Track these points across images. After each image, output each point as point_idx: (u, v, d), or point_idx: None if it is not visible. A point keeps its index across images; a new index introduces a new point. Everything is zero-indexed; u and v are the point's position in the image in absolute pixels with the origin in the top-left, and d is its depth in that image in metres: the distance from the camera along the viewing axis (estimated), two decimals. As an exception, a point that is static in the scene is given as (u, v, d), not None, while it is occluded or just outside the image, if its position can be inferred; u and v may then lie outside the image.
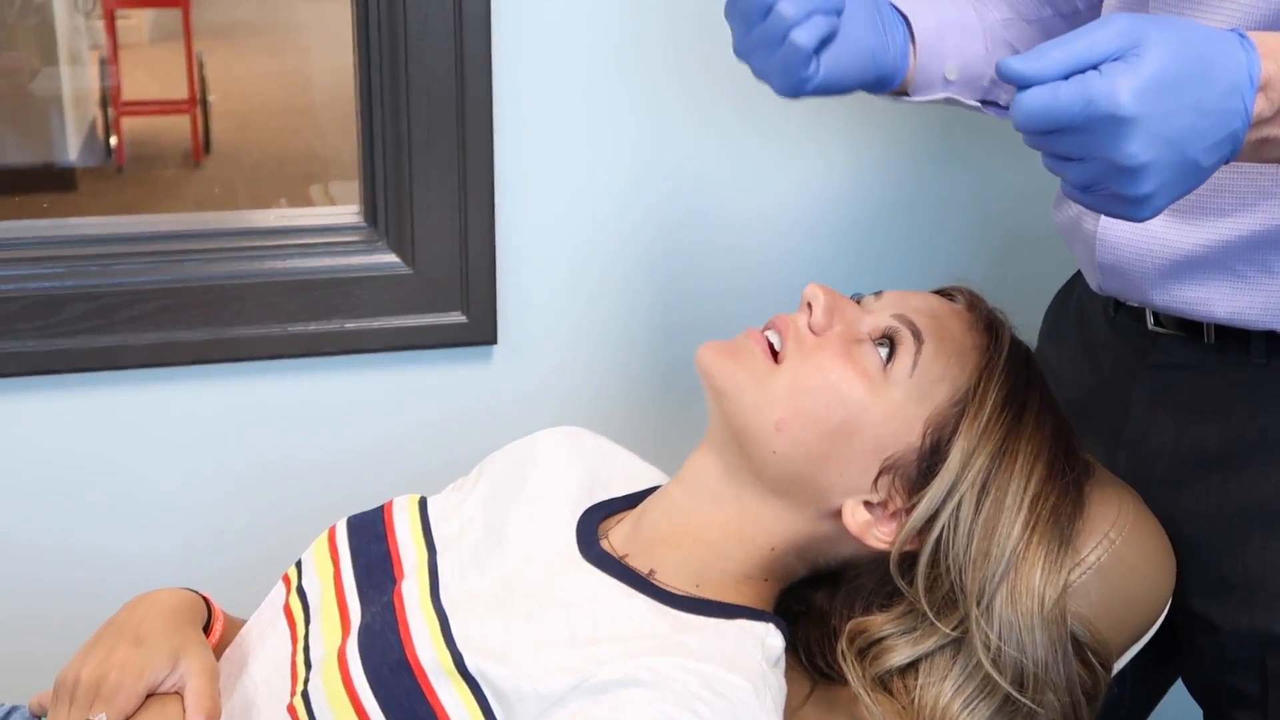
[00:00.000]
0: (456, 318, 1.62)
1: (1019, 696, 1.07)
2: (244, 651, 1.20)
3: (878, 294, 1.19)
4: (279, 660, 1.16)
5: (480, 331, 1.63)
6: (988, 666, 1.07)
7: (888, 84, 1.18)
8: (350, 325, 1.60)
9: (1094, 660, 1.11)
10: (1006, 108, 1.13)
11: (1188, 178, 0.89)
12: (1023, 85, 0.87)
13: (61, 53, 4.81)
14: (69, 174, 4.82)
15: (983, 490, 1.10)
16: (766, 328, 1.17)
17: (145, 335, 1.56)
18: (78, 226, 1.61)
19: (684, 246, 1.66)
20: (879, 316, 1.15)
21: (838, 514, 1.13)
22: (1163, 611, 1.17)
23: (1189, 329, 1.19)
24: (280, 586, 1.24)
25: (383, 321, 1.61)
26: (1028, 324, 1.30)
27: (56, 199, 4.66)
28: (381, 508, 1.27)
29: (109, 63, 5.23)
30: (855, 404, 1.11)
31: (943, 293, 1.21)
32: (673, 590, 1.13)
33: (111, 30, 5.23)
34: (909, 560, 1.12)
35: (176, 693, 1.11)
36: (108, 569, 1.59)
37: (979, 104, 1.23)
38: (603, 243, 1.64)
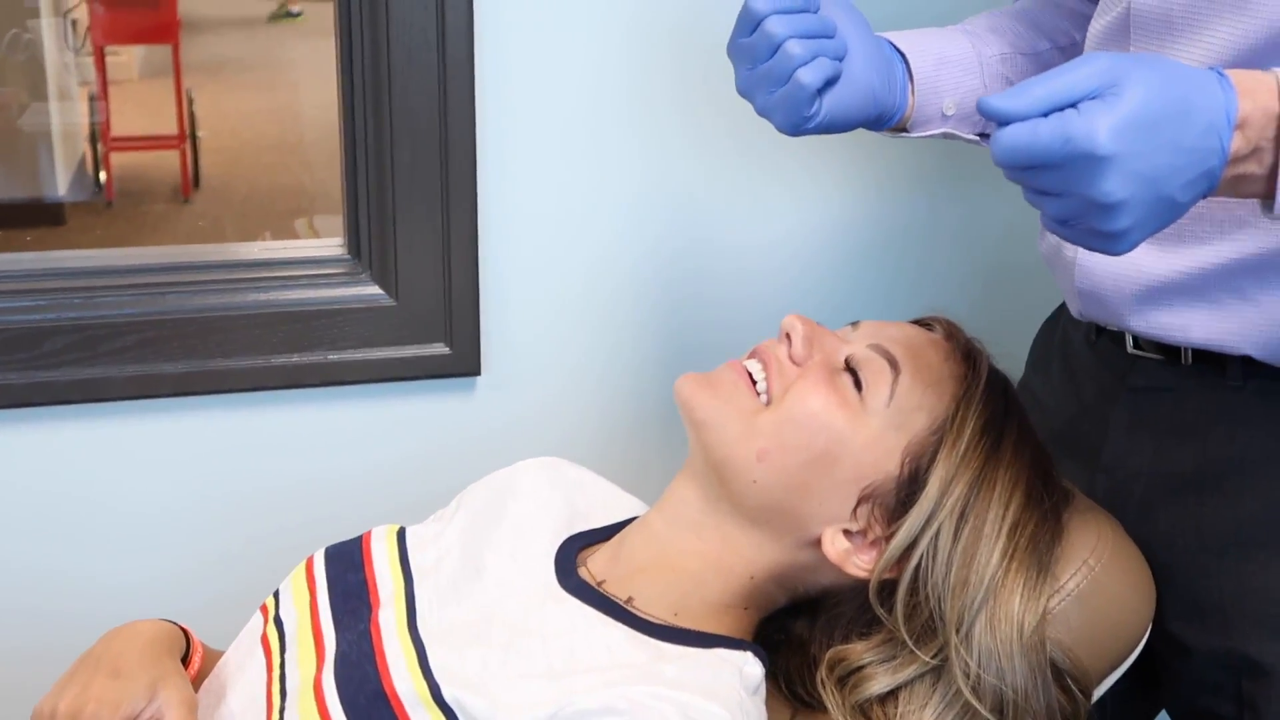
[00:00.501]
0: (440, 349, 1.62)
1: None
2: (222, 682, 1.19)
3: (855, 324, 1.19)
4: (255, 690, 1.15)
5: (463, 363, 1.63)
6: (967, 694, 1.07)
7: (887, 121, 1.20)
8: (333, 357, 1.60)
9: (1074, 687, 1.11)
10: None
11: (1164, 213, 0.90)
12: (1003, 122, 0.88)
13: (51, 88, 4.80)
14: (58, 209, 4.81)
15: (961, 518, 1.10)
16: (749, 356, 1.17)
17: (127, 367, 1.55)
18: (60, 259, 1.61)
19: (667, 278, 1.66)
20: (856, 345, 1.15)
21: (817, 542, 1.13)
22: (1142, 638, 1.17)
23: (1167, 352, 1.19)
24: (257, 617, 1.23)
25: (366, 353, 1.60)
26: (1016, 354, 1.30)
27: (46, 234, 4.65)
28: (360, 538, 1.27)
29: (98, 98, 5.23)
30: (836, 433, 1.11)
31: (921, 323, 1.21)
32: (651, 619, 1.12)
33: (101, 66, 5.23)
34: (888, 588, 1.11)
35: None
36: (89, 599, 1.58)
37: (977, 138, 1.24)
38: (586, 274, 1.64)
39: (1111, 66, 0.87)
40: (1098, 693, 1.16)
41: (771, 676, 1.15)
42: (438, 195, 1.56)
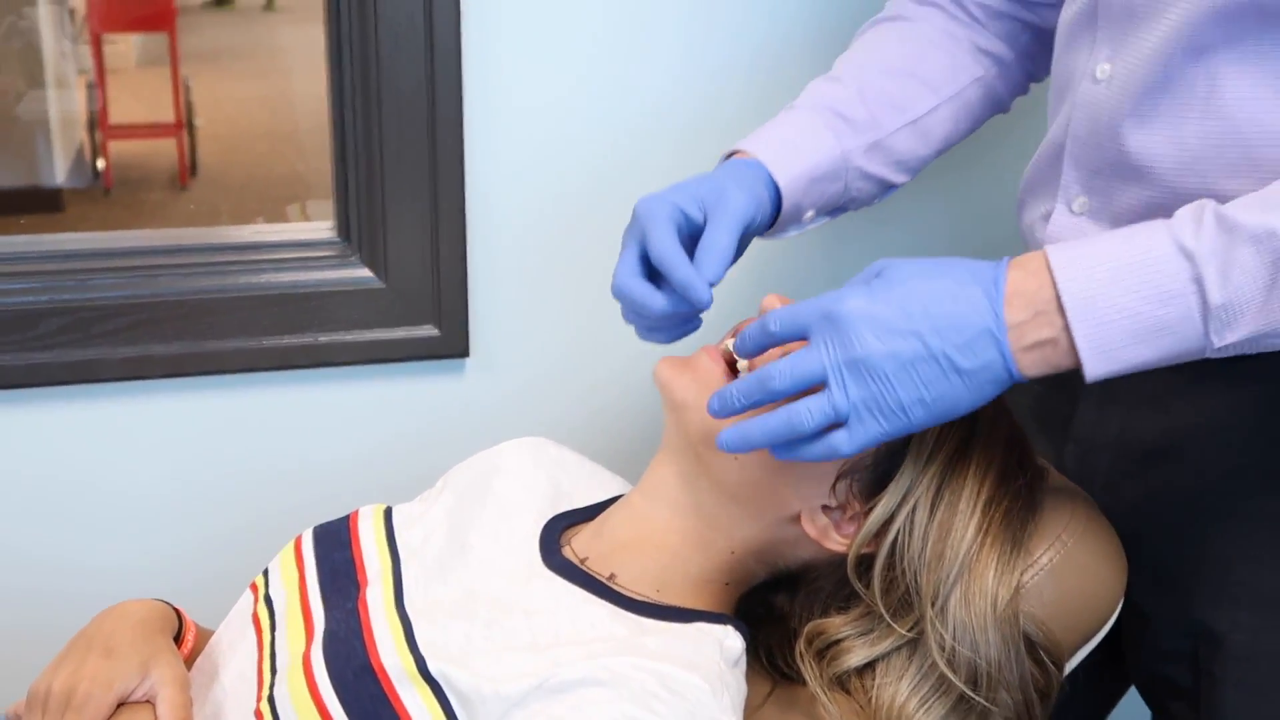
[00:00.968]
0: (429, 331, 1.62)
1: (973, 695, 1.08)
2: (214, 661, 1.20)
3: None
4: (247, 668, 1.16)
5: (452, 344, 1.63)
6: (942, 666, 1.08)
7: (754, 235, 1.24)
8: (324, 338, 1.60)
9: (1046, 659, 1.12)
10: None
11: (936, 381, 0.98)
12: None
13: (49, 76, 4.80)
14: (57, 196, 4.81)
15: (937, 494, 1.11)
16: (731, 334, 1.18)
17: (121, 349, 1.56)
18: (54, 243, 1.61)
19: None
20: None
21: (797, 519, 1.14)
22: (1114, 612, 1.18)
23: None
24: (248, 595, 1.24)
25: (356, 335, 1.61)
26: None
27: (44, 220, 4.66)
28: (347, 517, 1.28)
29: (96, 86, 5.23)
30: None
31: None
32: (633, 595, 1.13)
33: (98, 54, 5.23)
34: (866, 563, 1.12)
35: (148, 702, 1.11)
36: (82, 580, 1.59)
37: (828, 216, 1.32)
38: (574, 257, 1.65)
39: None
40: (1070, 665, 1.17)
41: (753, 650, 1.16)
42: (426, 179, 1.57)
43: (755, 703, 1.14)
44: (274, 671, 1.13)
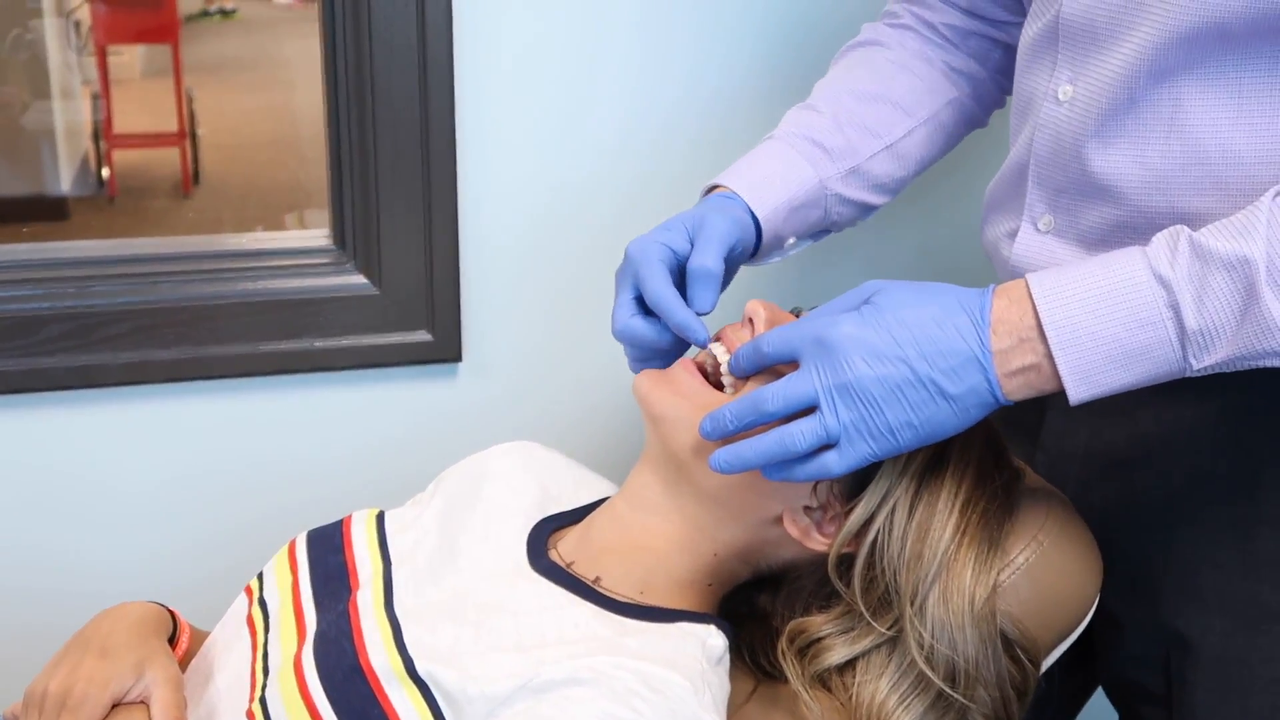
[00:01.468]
0: (422, 336, 1.62)
1: (951, 692, 1.08)
2: (209, 661, 1.20)
3: (814, 307, 1.20)
4: (240, 669, 1.16)
5: (445, 349, 1.63)
6: (921, 664, 1.08)
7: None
8: (320, 344, 1.60)
9: (1023, 657, 1.12)
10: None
11: (925, 405, 0.99)
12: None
13: (54, 87, 4.79)
14: (62, 204, 4.80)
15: (916, 495, 1.10)
16: (715, 338, 1.18)
17: (121, 354, 1.56)
18: (56, 250, 1.61)
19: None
20: None
21: (779, 520, 1.13)
22: (1089, 610, 1.18)
23: None
24: (243, 598, 1.24)
25: (351, 340, 1.61)
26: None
27: (50, 228, 4.64)
28: (340, 522, 1.27)
29: (101, 96, 5.22)
30: None
31: None
32: (617, 597, 1.13)
33: (103, 65, 5.22)
34: (846, 562, 1.12)
35: (142, 702, 1.11)
36: (82, 579, 1.59)
37: (811, 239, 1.33)
38: (565, 264, 1.65)
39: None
40: (1047, 663, 1.17)
41: (736, 648, 1.15)
42: (419, 188, 1.57)
43: (738, 701, 1.13)
44: (266, 672, 1.13)
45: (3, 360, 1.53)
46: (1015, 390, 0.99)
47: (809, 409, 1.00)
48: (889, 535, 1.10)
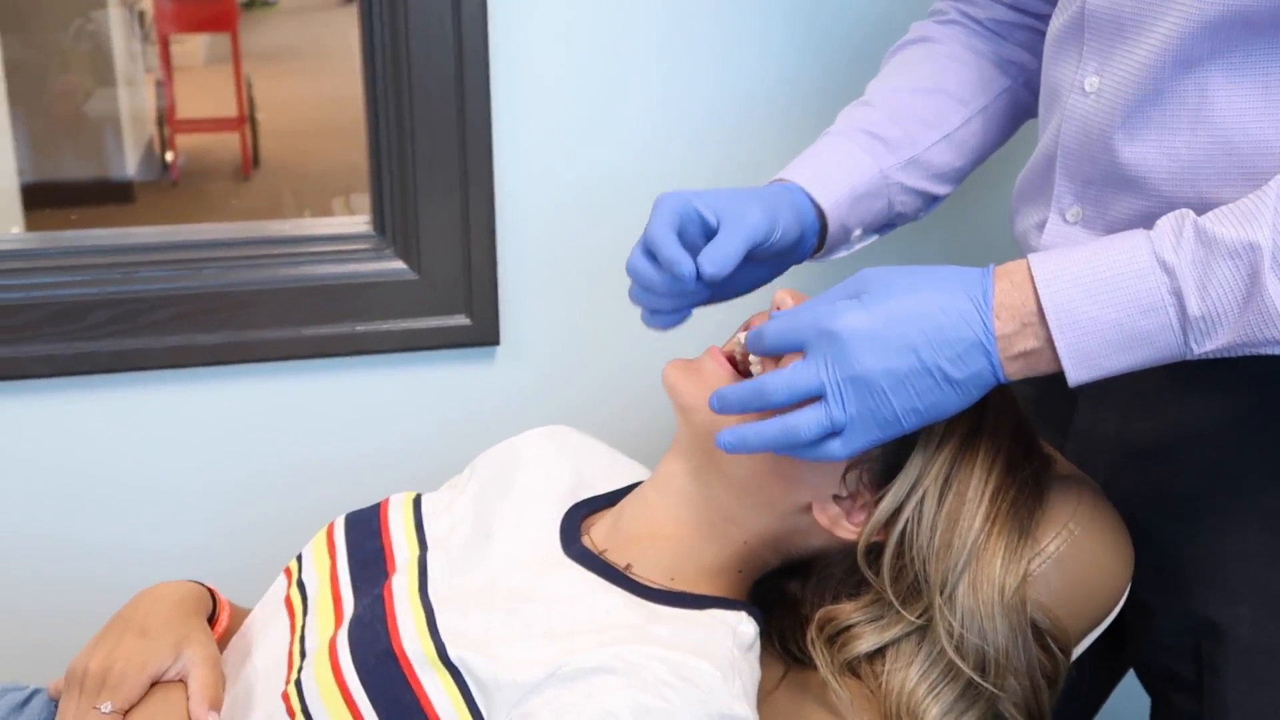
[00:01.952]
0: (460, 320, 1.58)
1: (981, 681, 1.03)
2: (248, 640, 1.17)
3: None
4: (278, 650, 1.13)
5: (483, 333, 1.59)
6: (950, 653, 1.04)
7: (803, 258, 1.21)
8: (360, 328, 1.57)
9: (1054, 646, 1.07)
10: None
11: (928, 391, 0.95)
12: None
13: (119, 74, 4.80)
14: (128, 187, 4.81)
15: (945, 484, 1.06)
16: (743, 328, 1.14)
17: (166, 339, 1.53)
18: (103, 238, 1.58)
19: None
20: None
21: (808, 509, 1.09)
22: (1120, 599, 1.13)
23: None
24: (282, 579, 1.21)
25: (390, 324, 1.57)
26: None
27: (116, 210, 4.65)
28: (378, 505, 1.24)
29: (164, 84, 5.23)
30: None
31: None
32: (648, 583, 1.09)
33: (165, 54, 5.22)
34: (875, 551, 1.08)
35: (181, 681, 1.08)
36: (126, 563, 1.56)
37: (876, 234, 1.29)
38: (602, 245, 1.60)
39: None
40: (1077, 651, 1.12)
41: (766, 635, 1.11)
42: (456, 175, 1.53)
43: (768, 687, 1.09)
44: (303, 655, 1.10)
45: (51, 344, 1.50)
46: (1016, 372, 0.96)
47: (814, 397, 0.96)
48: (918, 524, 1.06)
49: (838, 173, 1.21)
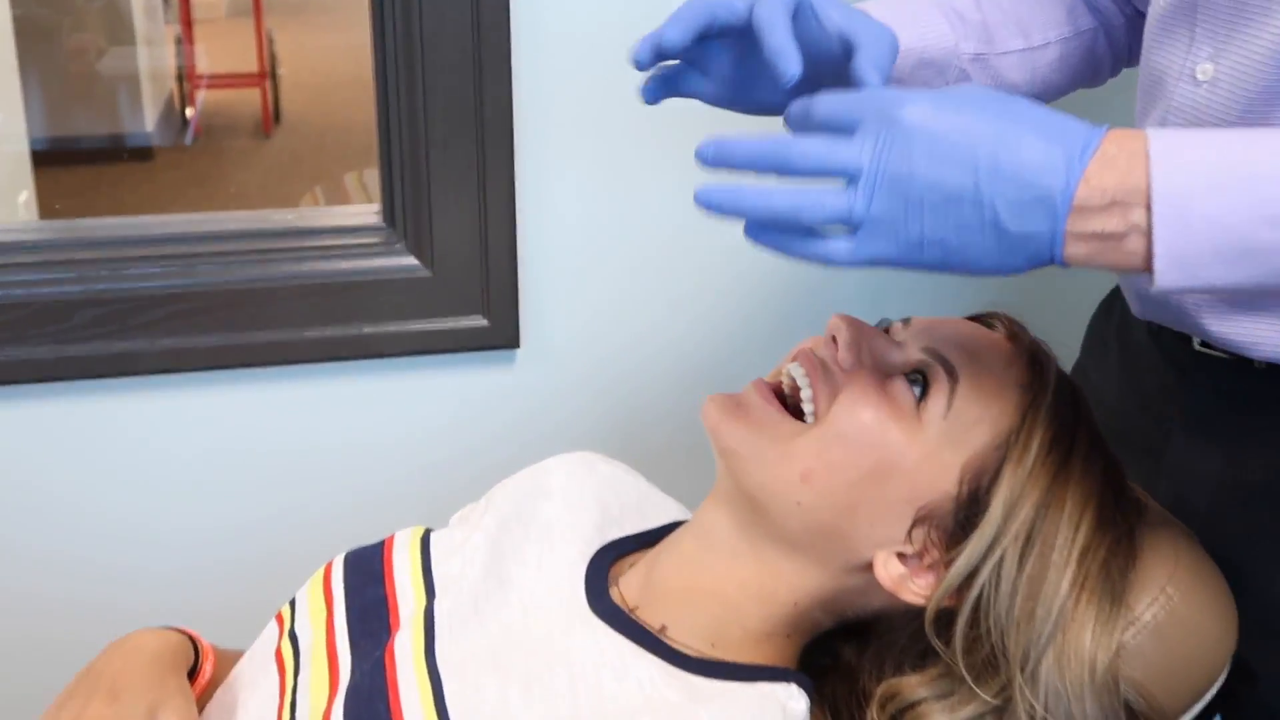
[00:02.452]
0: (477, 321, 1.44)
1: None
2: (234, 695, 1.03)
3: (905, 321, 1.00)
4: (266, 711, 0.99)
5: (502, 335, 1.45)
6: None
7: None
8: (368, 329, 1.43)
9: (1149, 730, 0.93)
10: None
11: (966, 223, 0.77)
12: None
13: (138, 30, 4.65)
14: (146, 148, 4.68)
15: (1027, 543, 0.91)
16: (791, 359, 0.99)
17: (158, 341, 1.39)
18: (86, 229, 1.44)
19: (715, 249, 1.47)
20: (909, 350, 0.96)
21: (868, 566, 0.94)
22: (1223, 671, 0.98)
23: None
24: (273, 627, 1.06)
25: (401, 325, 1.43)
26: (1068, 345, 1.11)
27: (135, 168, 4.53)
28: (382, 544, 1.09)
29: (184, 40, 5.09)
30: (890, 448, 0.92)
31: (979, 319, 1.01)
32: (686, 651, 0.95)
33: (185, 8, 5.08)
34: (946, 618, 0.93)
35: None
36: (113, 583, 1.44)
37: None
38: (628, 243, 1.46)
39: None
40: (1171, 731, 0.97)
41: (818, 704, 0.97)
42: (473, 163, 1.39)
43: (820, 766, 0.95)
44: None
45: (33, 347, 1.37)
46: (1079, 257, 0.78)
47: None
48: (995, 589, 0.91)
49: (912, 28, 1.05)
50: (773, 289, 1.48)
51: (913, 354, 0.95)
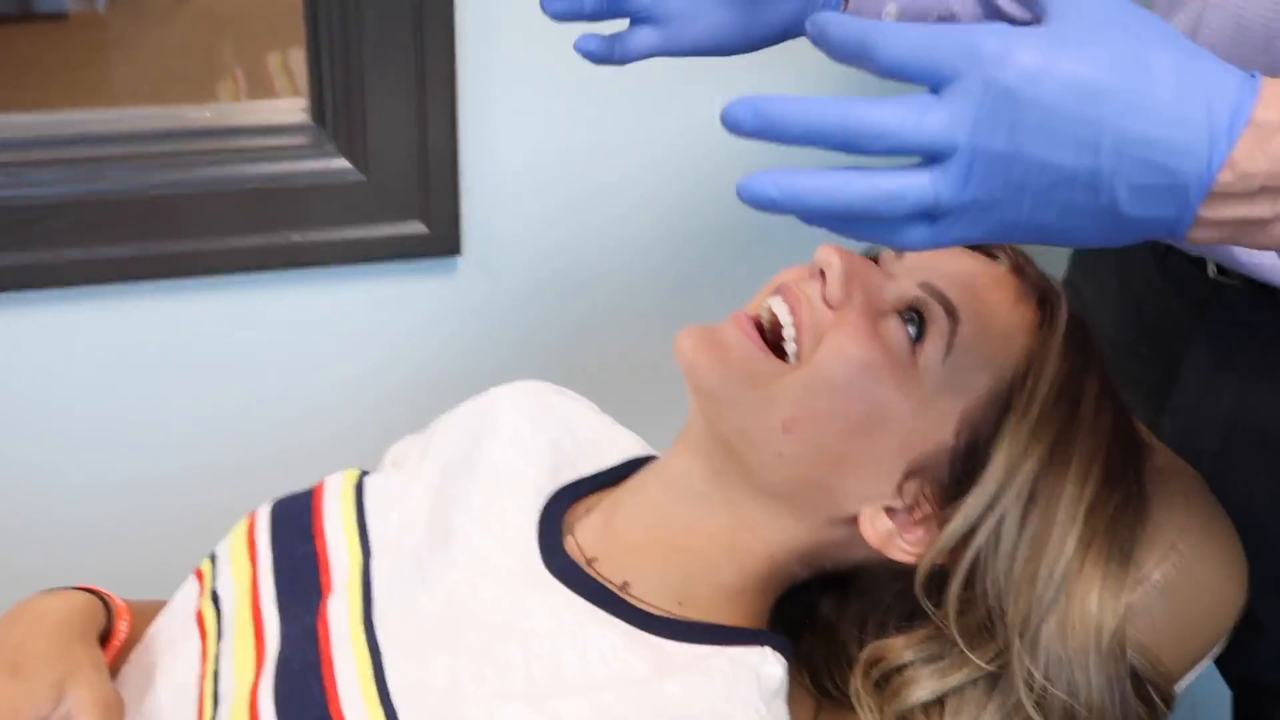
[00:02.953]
0: (416, 227, 1.33)
1: None
2: (151, 660, 0.93)
3: (899, 251, 0.90)
4: (186, 681, 0.89)
5: (442, 242, 1.34)
6: (1030, 710, 0.82)
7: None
8: (297, 238, 1.31)
9: (1154, 696, 0.85)
10: None
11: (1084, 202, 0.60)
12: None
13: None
14: (60, 11, 4.44)
15: (1030, 499, 0.83)
16: (773, 292, 0.89)
17: (65, 252, 1.27)
18: (-20, 130, 1.31)
19: (674, 148, 1.36)
20: (903, 284, 0.87)
21: (853, 520, 0.86)
22: (1229, 629, 0.91)
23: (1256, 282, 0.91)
24: (192, 583, 0.96)
25: (334, 233, 1.32)
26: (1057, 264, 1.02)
27: (47, 30, 4.29)
28: (311, 492, 0.99)
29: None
30: (882, 397, 0.83)
31: (982, 249, 0.91)
32: (651, 610, 0.87)
33: None
34: (938, 577, 0.85)
35: None
36: (26, 506, 1.32)
37: None
38: (579, 143, 1.35)
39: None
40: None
41: (794, 664, 0.89)
42: (410, 56, 1.26)
43: (798, 736, 0.88)
44: (216, 702, 0.86)
45: (-76, 259, 1.24)
46: (1207, 239, 0.63)
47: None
48: (995, 550, 0.83)
49: None
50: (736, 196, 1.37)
51: (908, 290, 0.86)
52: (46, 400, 1.31)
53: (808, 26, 0.62)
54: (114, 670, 0.92)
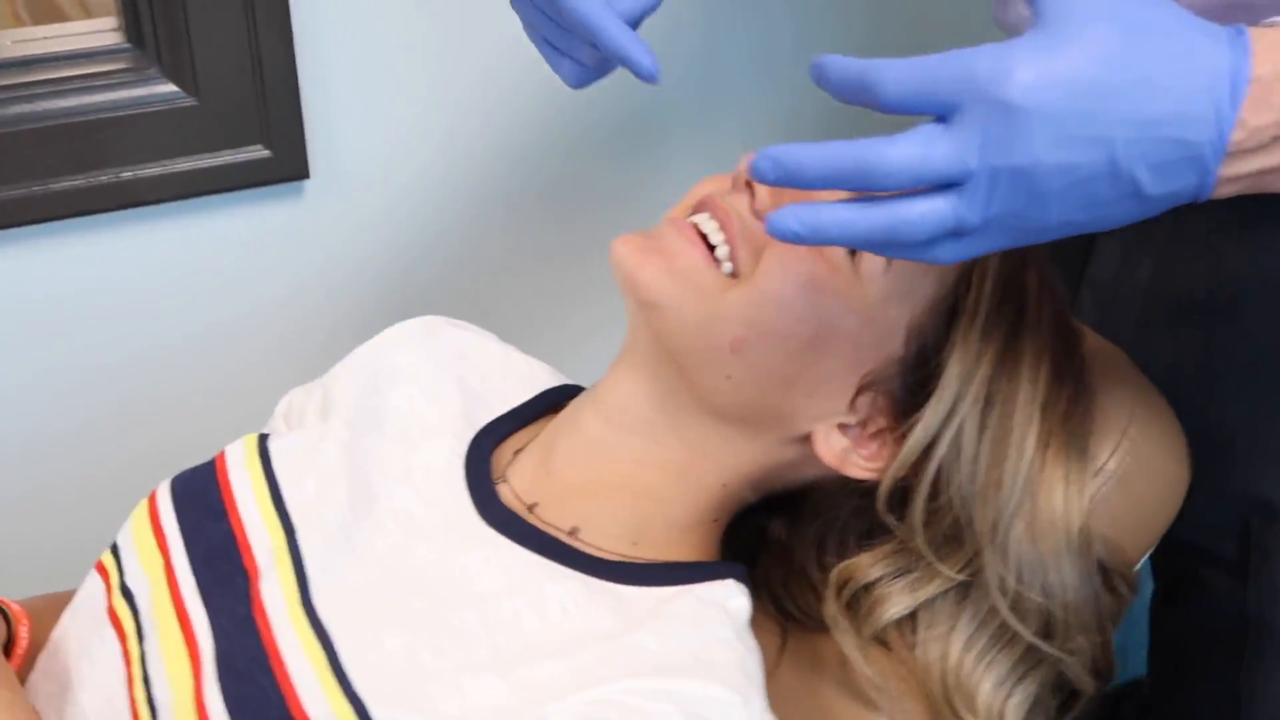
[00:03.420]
0: (258, 152, 1.23)
1: (1045, 647, 0.82)
2: (64, 666, 0.85)
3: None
4: (113, 689, 0.81)
5: (287, 166, 1.25)
6: (1005, 614, 0.81)
7: None
8: (126, 174, 1.20)
9: (1121, 586, 0.85)
10: None
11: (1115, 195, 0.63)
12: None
13: None
14: None
15: (987, 404, 0.81)
16: (696, 209, 0.84)
17: None
18: None
19: (533, 61, 1.28)
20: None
21: (806, 439, 0.83)
22: (1179, 507, 0.91)
23: None
24: (95, 580, 0.88)
25: (167, 166, 1.21)
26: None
27: None
28: (212, 465, 0.91)
29: None
30: (829, 312, 0.80)
31: None
32: (604, 556, 0.83)
33: None
34: (899, 492, 0.83)
35: None
36: None
37: None
38: (431, 56, 1.26)
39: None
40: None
41: (754, 591, 0.86)
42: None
43: (769, 665, 0.84)
44: (153, 711, 0.79)
45: None
46: (1229, 193, 0.65)
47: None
48: (957, 460, 0.81)
49: None
50: (607, 109, 1.31)
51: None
52: None
53: (810, 69, 0.65)
54: (21, 681, 0.84)
